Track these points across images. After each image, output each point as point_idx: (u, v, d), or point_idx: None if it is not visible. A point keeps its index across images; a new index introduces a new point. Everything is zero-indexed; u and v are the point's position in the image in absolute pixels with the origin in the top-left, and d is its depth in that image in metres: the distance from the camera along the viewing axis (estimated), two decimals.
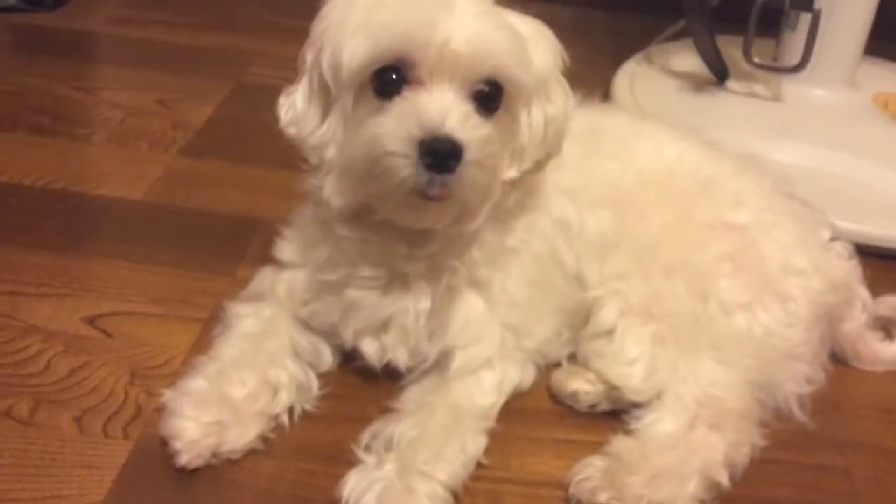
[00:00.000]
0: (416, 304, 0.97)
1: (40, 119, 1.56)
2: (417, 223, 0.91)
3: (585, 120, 1.06)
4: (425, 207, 0.87)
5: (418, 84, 0.85)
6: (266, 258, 1.08)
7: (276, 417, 0.97)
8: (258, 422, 0.94)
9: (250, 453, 0.94)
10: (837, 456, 1.02)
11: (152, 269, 1.20)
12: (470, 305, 0.98)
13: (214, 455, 0.91)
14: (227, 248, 1.25)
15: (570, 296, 1.04)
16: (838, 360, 1.14)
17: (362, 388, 1.04)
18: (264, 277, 1.07)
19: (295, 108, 0.92)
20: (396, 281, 0.97)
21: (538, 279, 1.01)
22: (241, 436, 0.92)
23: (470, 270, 0.97)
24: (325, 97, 0.91)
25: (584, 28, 2.16)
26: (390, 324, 0.98)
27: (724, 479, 0.92)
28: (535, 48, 0.91)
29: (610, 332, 1.01)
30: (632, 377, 0.99)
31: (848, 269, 1.10)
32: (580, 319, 1.05)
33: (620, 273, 1.02)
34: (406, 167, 0.83)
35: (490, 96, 0.88)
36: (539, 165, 0.96)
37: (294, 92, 0.93)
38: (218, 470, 0.92)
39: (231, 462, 0.93)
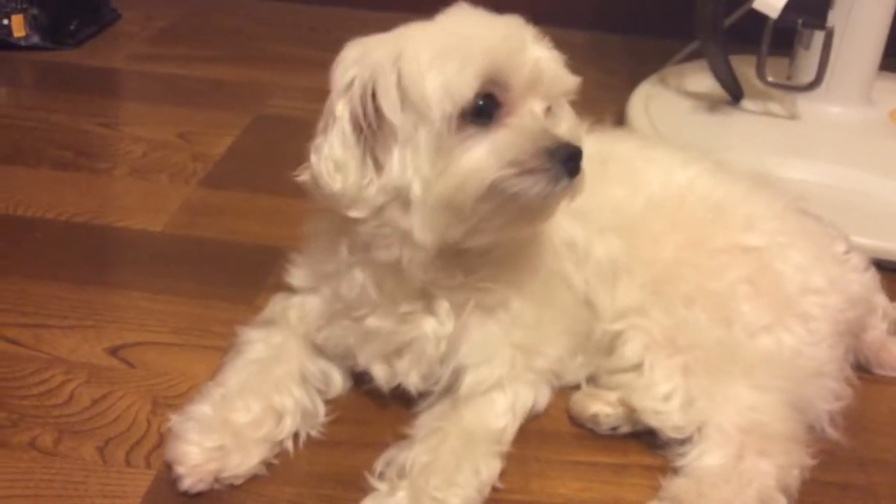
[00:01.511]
0: (437, 330, 0.97)
1: (64, 154, 1.59)
2: (533, 223, 0.94)
3: (595, 146, 1.07)
4: (555, 202, 0.90)
5: (510, 106, 0.88)
6: (284, 287, 1.08)
7: (281, 444, 0.97)
8: (261, 448, 0.95)
9: (269, 480, 0.94)
10: (860, 474, 1.01)
11: (173, 300, 1.22)
12: (481, 325, 0.98)
13: (217, 480, 0.92)
14: (246, 278, 1.26)
15: (579, 318, 1.04)
16: (860, 371, 1.12)
17: (378, 413, 1.04)
18: (276, 303, 1.08)
19: (333, 158, 0.88)
20: (419, 310, 0.97)
21: (547, 300, 1.01)
22: (243, 461, 0.93)
23: (483, 293, 0.97)
24: (371, 141, 0.89)
25: (598, 51, 2.18)
26: (405, 349, 0.98)
27: None
28: None
29: (637, 367, 1.00)
30: (670, 415, 0.97)
31: (865, 282, 1.10)
32: (593, 345, 1.05)
33: (639, 306, 1.02)
34: (543, 178, 0.86)
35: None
36: None
37: (322, 147, 0.89)
38: (237, 498, 0.92)
39: (250, 489, 0.93)
